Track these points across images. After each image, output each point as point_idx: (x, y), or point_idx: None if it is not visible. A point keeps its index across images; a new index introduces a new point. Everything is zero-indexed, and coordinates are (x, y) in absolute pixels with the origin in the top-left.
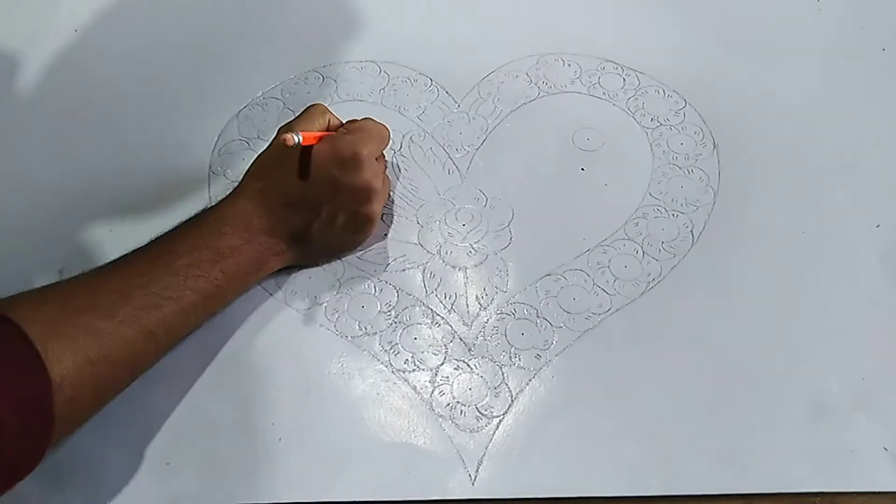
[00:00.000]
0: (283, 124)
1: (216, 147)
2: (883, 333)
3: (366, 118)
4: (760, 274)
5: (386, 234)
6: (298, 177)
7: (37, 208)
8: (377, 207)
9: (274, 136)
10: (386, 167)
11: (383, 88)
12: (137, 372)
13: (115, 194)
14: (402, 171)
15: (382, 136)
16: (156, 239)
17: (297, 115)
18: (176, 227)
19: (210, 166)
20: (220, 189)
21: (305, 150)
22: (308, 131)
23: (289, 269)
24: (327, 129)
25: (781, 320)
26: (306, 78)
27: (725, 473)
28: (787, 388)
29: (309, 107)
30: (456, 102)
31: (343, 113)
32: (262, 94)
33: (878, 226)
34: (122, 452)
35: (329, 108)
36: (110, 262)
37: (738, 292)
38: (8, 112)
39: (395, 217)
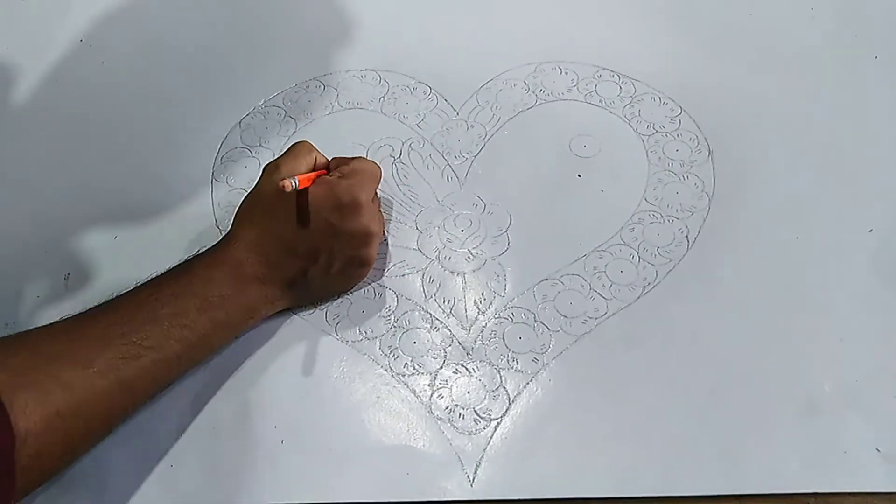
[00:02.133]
0: (268, 162)
1: (219, 154)
2: (875, 335)
3: (357, 158)
4: (755, 278)
5: (385, 240)
6: (298, 223)
7: (42, 215)
8: (374, 251)
9: (259, 176)
10: (380, 205)
11: (383, 97)
12: (112, 424)
13: (120, 201)
14: (402, 177)
15: (376, 176)
16: (141, 284)
17: (282, 153)
18: (162, 274)
19: (213, 173)
20: (221, 195)
21: (301, 194)
22: (296, 171)
23: None
24: (314, 168)
25: (775, 323)
26: (307, 86)
27: (720, 474)
28: (781, 390)
29: (294, 145)
30: (455, 110)
31: (344, 121)
32: (264, 102)
33: (870, 230)
34: (125, 454)
35: (329, 115)
36: (90, 309)
37: (732, 296)
38: (14, 119)
39: (394, 223)
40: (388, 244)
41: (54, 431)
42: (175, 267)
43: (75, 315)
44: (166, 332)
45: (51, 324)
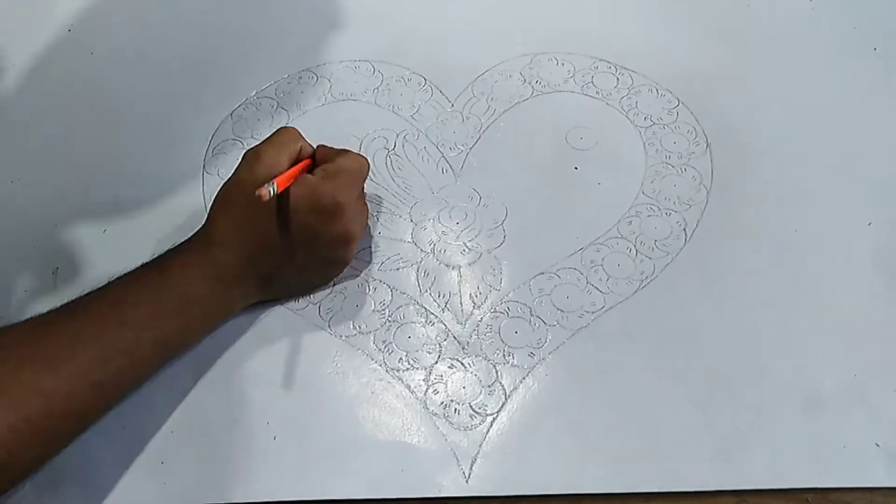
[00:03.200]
0: (248, 149)
1: (210, 146)
2: (875, 329)
3: (343, 154)
4: (753, 272)
5: (379, 233)
6: (277, 223)
7: (30, 209)
8: (352, 253)
9: (239, 162)
10: (365, 195)
11: (377, 88)
12: (86, 424)
13: (109, 194)
14: (396, 169)
15: (362, 174)
16: (114, 281)
17: (266, 137)
18: (137, 269)
19: (204, 166)
20: (213, 188)
21: (282, 194)
22: (278, 163)
23: None
24: (298, 157)
25: (774, 317)
26: (300, 77)
27: (718, 470)
28: (780, 385)
29: (278, 131)
30: (450, 101)
31: (337, 112)
32: (256, 93)
33: (869, 223)
34: (116, 451)
35: (323, 107)
36: (61, 307)
37: (730, 290)
38: (0, 111)
39: (388, 215)
40: (370, 237)
41: (23, 438)
42: (150, 263)
43: (46, 313)
44: (139, 334)
45: (20, 322)
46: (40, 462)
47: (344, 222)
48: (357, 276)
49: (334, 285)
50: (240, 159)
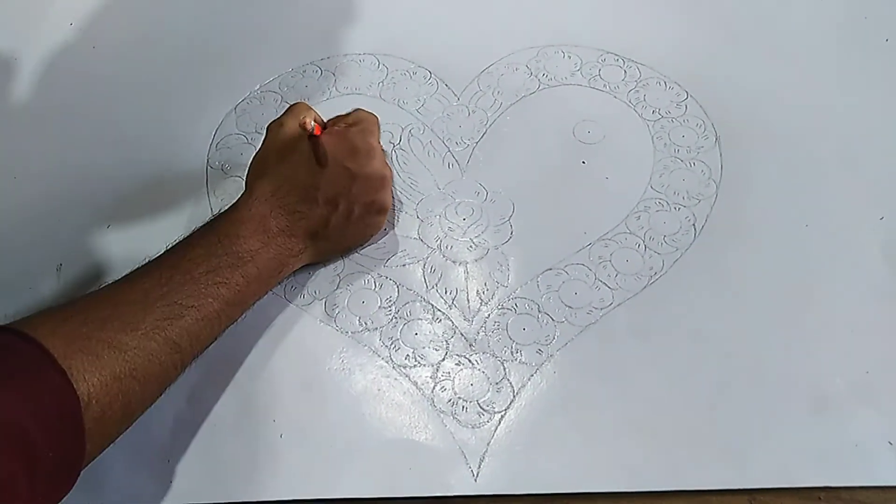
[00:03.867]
0: (271, 121)
1: (214, 141)
2: (886, 326)
3: (357, 109)
4: (763, 267)
5: (386, 229)
6: (313, 168)
7: (33, 205)
8: (389, 196)
9: (264, 136)
10: (386, 155)
11: (382, 81)
12: (164, 384)
13: (113, 190)
14: (402, 164)
15: (377, 122)
16: (170, 248)
17: (281, 114)
18: (191, 234)
19: (208, 160)
20: (217, 183)
21: (314, 140)
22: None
23: None
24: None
25: (784, 314)
26: (304, 71)
27: (728, 468)
28: (791, 382)
29: (292, 105)
30: (455, 95)
31: (342, 106)
32: (260, 87)
33: (881, 218)
34: (122, 450)
35: (327, 101)
36: (126, 275)
37: (740, 286)
38: (3, 107)
39: (395, 211)
40: (387, 232)
41: (113, 394)
42: (202, 227)
43: (114, 282)
44: (204, 290)
45: (93, 291)
46: (127, 422)
47: (377, 163)
48: (363, 272)
49: (340, 281)
50: (264, 133)
